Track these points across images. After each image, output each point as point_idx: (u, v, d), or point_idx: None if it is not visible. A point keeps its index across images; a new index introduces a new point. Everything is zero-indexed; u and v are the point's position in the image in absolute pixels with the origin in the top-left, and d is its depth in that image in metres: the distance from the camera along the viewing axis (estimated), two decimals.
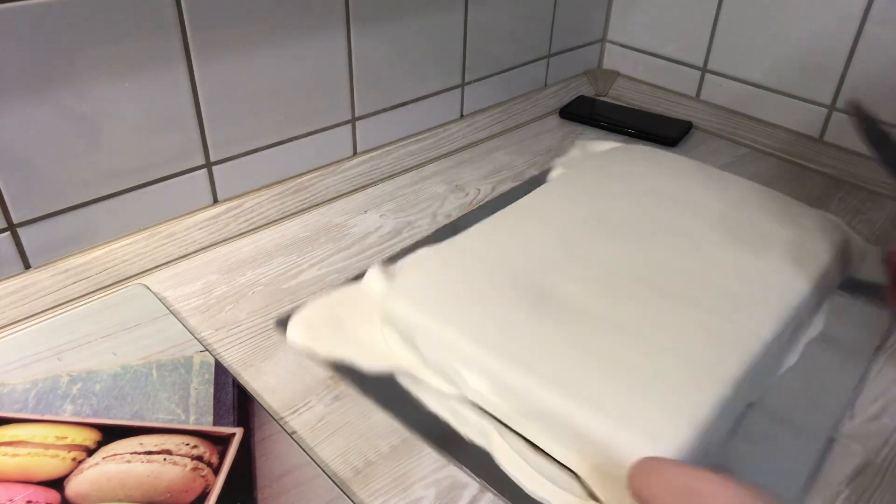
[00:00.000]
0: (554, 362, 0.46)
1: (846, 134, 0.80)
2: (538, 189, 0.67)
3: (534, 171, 0.79)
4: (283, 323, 0.55)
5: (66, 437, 0.44)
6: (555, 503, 0.42)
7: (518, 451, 0.45)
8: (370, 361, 0.51)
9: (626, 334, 0.48)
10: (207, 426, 0.45)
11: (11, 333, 0.53)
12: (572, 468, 0.43)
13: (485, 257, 0.55)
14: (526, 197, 0.65)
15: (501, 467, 0.44)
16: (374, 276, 0.58)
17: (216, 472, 0.42)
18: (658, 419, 0.42)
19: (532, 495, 0.42)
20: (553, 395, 0.44)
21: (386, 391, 0.49)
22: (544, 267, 0.55)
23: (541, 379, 0.45)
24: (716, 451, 0.45)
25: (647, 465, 0.35)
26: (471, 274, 0.53)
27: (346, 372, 0.51)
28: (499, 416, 0.46)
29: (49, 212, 0.56)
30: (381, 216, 0.70)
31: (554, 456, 0.44)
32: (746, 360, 0.47)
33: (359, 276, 0.59)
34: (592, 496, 0.42)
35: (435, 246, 0.62)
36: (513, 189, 0.75)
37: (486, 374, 0.46)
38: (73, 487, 0.41)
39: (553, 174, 0.76)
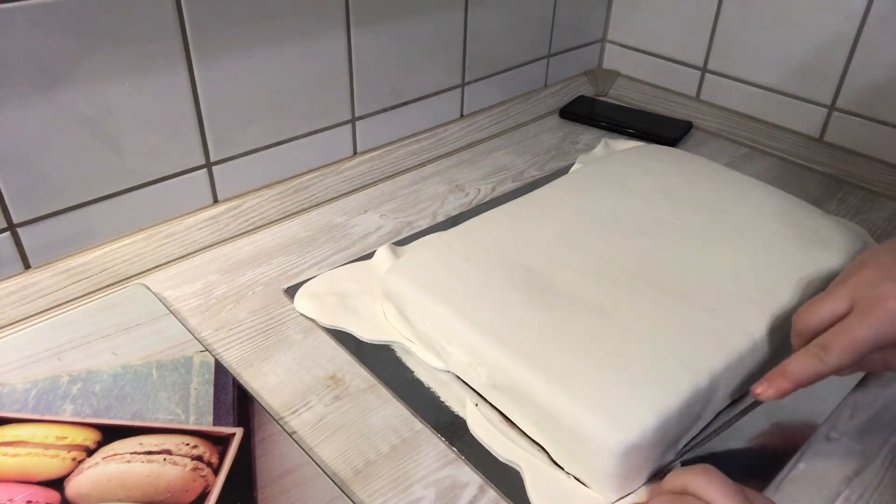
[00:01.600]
0: (532, 341, 0.47)
1: (846, 134, 0.80)
2: (550, 183, 0.68)
3: (534, 171, 0.79)
4: (291, 292, 0.58)
5: (66, 437, 0.44)
6: (522, 466, 0.45)
7: (490, 421, 0.48)
8: (369, 333, 0.54)
9: (611, 322, 0.49)
10: (207, 426, 0.45)
11: (11, 333, 0.53)
12: (536, 440, 0.46)
13: (487, 243, 0.57)
14: (537, 190, 0.66)
15: (473, 433, 0.47)
16: (383, 254, 0.62)
17: (216, 472, 0.42)
18: (622, 402, 0.43)
19: (501, 459, 0.45)
20: (524, 370, 0.46)
21: (383, 363, 0.53)
22: (542, 255, 0.56)
23: (515, 355, 0.46)
24: (686, 438, 0.46)
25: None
26: (470, 257, 0.55)
27: (347, 341, 0.54)
28: (475, 387, 0.50)
29: (49, 212, 0.56)
30: (381, 216, 0.70)
31: (521, 427, 0.47)
32: (729, 355, 0.47)
33: (369, 255, 0.63)
34: (557, 463, 0.45)
35: (444, 231, 0.63)
36: (517, 188, 0.75)
37: (465, 347, 0.49)
38: (73, 487, 0.41)
39: (572, 170, 0.77)
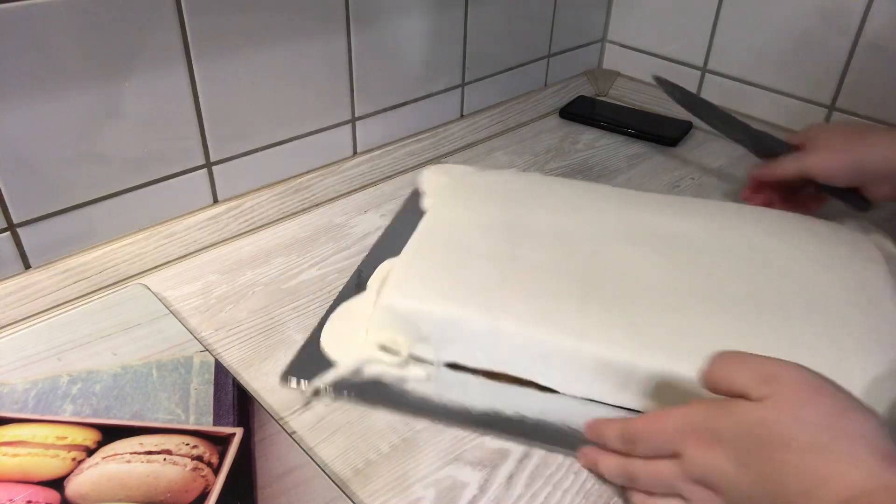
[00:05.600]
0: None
1: None
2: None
3: (534, 171, 0.79)
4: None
5: (66, 437, 0.44)
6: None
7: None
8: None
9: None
10: (207, 426, 0.45)
11: (11, 333, 0.53)
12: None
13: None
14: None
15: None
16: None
17: (216, 472, 0.42)
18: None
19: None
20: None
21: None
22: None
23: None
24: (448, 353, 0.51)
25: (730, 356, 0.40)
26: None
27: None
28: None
29: (49, 212, 0.56)
30: (381, 216, 0.70)
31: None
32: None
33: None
34: None
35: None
36: None
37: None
38: (73, 487, 0.41)
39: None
